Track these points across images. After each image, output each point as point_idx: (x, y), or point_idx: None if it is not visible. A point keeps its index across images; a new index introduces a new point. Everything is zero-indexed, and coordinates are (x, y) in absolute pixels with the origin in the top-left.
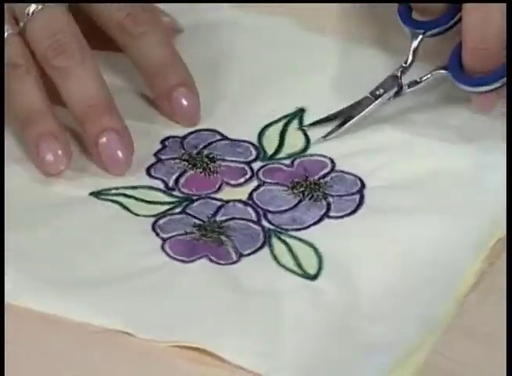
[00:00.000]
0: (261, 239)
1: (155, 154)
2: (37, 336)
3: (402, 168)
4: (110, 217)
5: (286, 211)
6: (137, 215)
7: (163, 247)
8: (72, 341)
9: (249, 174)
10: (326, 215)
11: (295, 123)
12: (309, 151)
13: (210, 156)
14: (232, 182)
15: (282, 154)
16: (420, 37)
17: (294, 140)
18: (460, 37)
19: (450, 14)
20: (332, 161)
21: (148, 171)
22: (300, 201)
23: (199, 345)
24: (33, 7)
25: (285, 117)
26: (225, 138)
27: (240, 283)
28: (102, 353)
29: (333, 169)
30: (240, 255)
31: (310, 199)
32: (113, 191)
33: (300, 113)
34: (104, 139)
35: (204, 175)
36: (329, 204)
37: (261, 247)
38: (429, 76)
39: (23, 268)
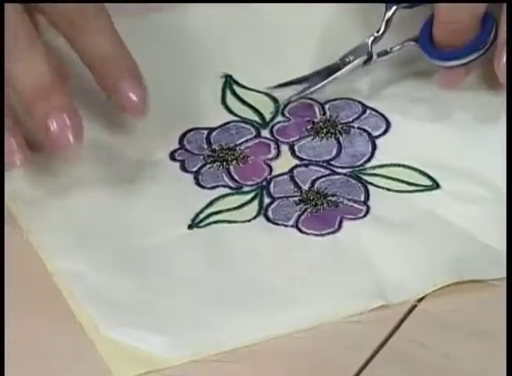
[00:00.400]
0: (357, 183)
1: (183, 168)
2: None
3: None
4: (228, 235)
5: (339, 154)
6: (245, 221)
7: (305, 233)
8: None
9: (271, 143)
10: (373, 138)
11: (236, 88)
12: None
13: (226, 147)
14: (269, 156)
15: (269, 115)
16: (394, 7)
17: (260, 102)
18: (433, 9)
19: None
20: (315, 101)
21: (199, 184)
22: (338, 141)
23: None
24: None
25: (223, 87)
26: (209, 129)
27: (392, 220)
28: None
29: (323, 105)
30: (364, 203)
31: (341, 134)
32: (204, 215)
33: (229, 78)
34: (52, 122)
35: (244, 164)
36: (360, 128)
37: (366, 188)
38: (399, 47)
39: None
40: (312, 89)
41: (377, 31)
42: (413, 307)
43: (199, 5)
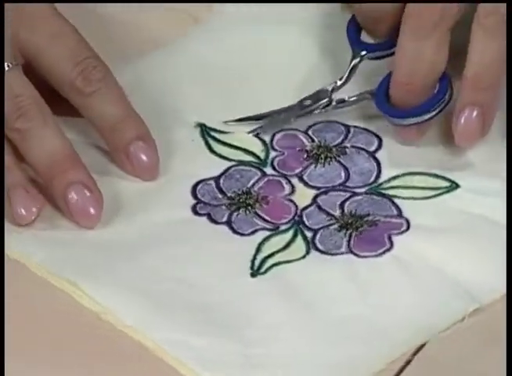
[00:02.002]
0: (381, 198)
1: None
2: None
3: None
4: (296, 276)
5: (348, 175)
6: (300, 258)
7: (362, 256)
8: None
9: (281, 179)
10: (372, 153)
11: (215, 134)
12: (268, 136)
13: (240, 192)
14: (286, 192)
15: (262, 153)
16: (360, 57)
17: (246, 142)
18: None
19: (394, 40)
20: (296, 129)
21: (237, 232)
22: (341, 163)
23: None
24: None
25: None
26: (214, 178)
27: (437, 226)
28: None
29: (305, 132)
30: (399, 216)
31: (339, 156)
32: (259, 261)
33: (203, 127)
34: (72, 194)
35: (267, 204)
36: (354, 147)
37: (393, 202)
38: (355, 98)
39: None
40: (267, 130)
41: (340, 79)
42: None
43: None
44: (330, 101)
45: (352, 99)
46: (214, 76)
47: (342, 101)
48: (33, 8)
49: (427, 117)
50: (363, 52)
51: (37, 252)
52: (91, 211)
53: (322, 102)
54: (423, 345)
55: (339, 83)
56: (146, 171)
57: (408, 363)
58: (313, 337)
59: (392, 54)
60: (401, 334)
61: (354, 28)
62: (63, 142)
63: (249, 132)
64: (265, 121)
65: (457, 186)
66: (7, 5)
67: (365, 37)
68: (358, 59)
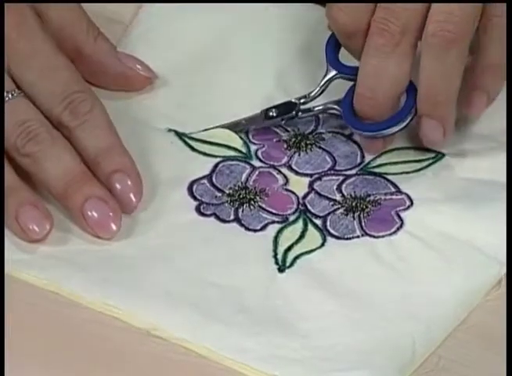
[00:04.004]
0: (374, 177)
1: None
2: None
3: None
4: (319, 267)
5: (334, 159)
6: (320, 246)
7: (374, 236)
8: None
9: (272, 170)
10: (348, 136)
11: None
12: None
13: (237, 187)
14: (280, 183)
15: (243, 147)
16: (333, 74)
17: (222, 137)
18: None
19: None
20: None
21: (248, 229)
22: (322, 149)
23: None
24: None
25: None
26: (207, 177)
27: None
28: None
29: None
30: (399, 192)
31: (319, 142)
32: (281, 256)
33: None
34: (90, 211)
35: (267, 197)
36: (331, 132)
37: (386, 179)
38: (321, 108)
39: None
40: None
41: (310, 94)
42: None
43: None
44: (297, 113)
45: (317, 108)
46: (177, 81)
47: (308, 110)
48: (24, 42)
49: (391, 131)
50: (336, 73)
51: (64, 276)
52: (111, 224)
53: (288, 115)
54: None
55: (308, 98)
56: (124, 203)
57: None
58: (362, 322)
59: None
60: (447, 309)
61: (333, 44)
62: (74, 160)
63: (204, 130)
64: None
65: (443, 154)
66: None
67: (343, 56)
68: (330, 76)
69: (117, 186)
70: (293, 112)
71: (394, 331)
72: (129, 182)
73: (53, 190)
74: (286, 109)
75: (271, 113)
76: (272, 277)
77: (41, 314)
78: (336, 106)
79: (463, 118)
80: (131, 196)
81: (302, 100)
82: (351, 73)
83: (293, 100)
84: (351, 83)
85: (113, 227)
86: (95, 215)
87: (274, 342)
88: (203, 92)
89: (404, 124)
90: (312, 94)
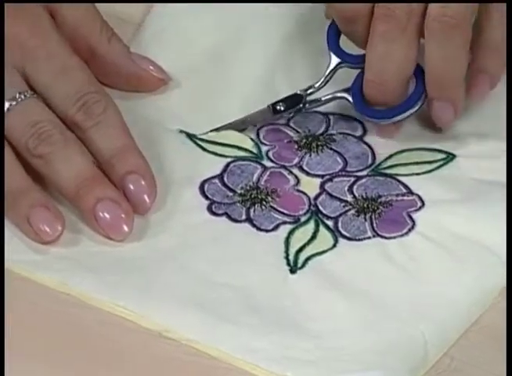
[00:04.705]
0: (386, 178)
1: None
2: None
3: None
4: (330, 268)
5: (345, 160)
6: (332, 247)
7: (386, 237)
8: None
9: (283, 171)
10: (359, 138)
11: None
12: (252, 132)
13: (249, 187)
14: (292, 184)
15: (254, 148)
16: (336, 63)
17: (233, 137)
18: None
19: None
20: (280, 123)
21: (260, 229)
22: (333, 150)
23: None
24: (7, 104)
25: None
26: (218, 176)
27: (450, 198)
28: None
29: (287, 124)
30: (410, 193)
31: (329, 143)
32: (293, 257)
33: (184, 133)
34: (102, 213)
35: (279, 197)
36: (343, 133)
37: (398, 180)
38: (330, 97)
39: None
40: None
41: (315, 84)
42: None
43: None
44: (304, 105)
45: (326, 97)
46: (189, 82)
47: (316, 101)
48: (38, 43)
49: (402, 116)
50: (339, 61)
51: (76, 277)
52: (124, 226)
53: (296, 107)
54: None
55: (313, 89)
56: (137, 205)
57: None
58: (374, 323)
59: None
60: (460, 310)
61: (333, 33)
62: (87, 162)
63: (211, 130)
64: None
65: (454, 156)
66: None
67: (345, 44)
68: (334, 65)
69: (131, 187)
70: (301, 104)
71: (407, 332)
72: (143, 183)
73: (65, 192)
74: (293, 102)
75: (278, 107)
76: (283, 278)
77: (45, 314)
78: (345, 95)
79: (475, 119)
80: (145, 197)
81: (309, 91)
82: (355, 61)
83: (298, 92)
84: (356, 71)
85: (125, 229)
86: (107, 216)
87: (285, 343)
88: (214, 92)
89: (415, 109)
90: (318, 84)
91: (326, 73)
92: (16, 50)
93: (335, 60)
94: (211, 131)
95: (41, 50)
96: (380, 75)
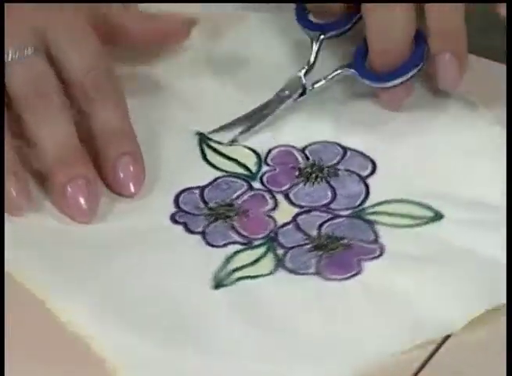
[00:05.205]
0: (362, 222)
1: (188, 230)
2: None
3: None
4: (256, 292)
5: (334, 197)
6: (266, 274)
7: (329, 279)
8: None
9: (266, 194)
10: (364, 178)
11: (211, 143)
12: (263, 150)
13: (223, 203)
14: (268, 208)
15: (254, 166)
16: (321, 38)
17: (241, 154)
18: (362, 35)
19: (349, 15)
20: (293, 147)
21: (209, 244)
22: (330, 184)
23: None
24: (10, 54)
25: (199, 144)
26: (200, 188)
27: (410, 255)
28: None
29: (302, 150)
30: (375, 242)
31: (330, 177)
32: (225, 274)
33: (201, 136)
34: (71, 190)
35: (246, 218)
36: (348, 170)
37: (373, 227)
38: (333, 74)
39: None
40: (257, 127)
41: (307, 63)
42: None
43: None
44: (305, 86)
45: (330, 76)
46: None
47: (319, 81)
48: (58, 10)
49: (412, 73)
50: (320, 35)
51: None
52: (85, 205)
53: (298, 91)
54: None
55: (307, 67)
56: (124, 187)
57: None
58: (270, 354)
59: (349, 29)
60: (355, 358)
61: (301, 12)
62: (73, 134)
63: (231, 142)
64: (244, 124)
65: (441, 216)
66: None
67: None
68: (318, 41)
69: (122, 169)
70: (301, 86)
71: (293, 370)
72: (133, 168)
73: (43, 156)
74: (296, 85)
75: (283, 94)
76: (203, 292)
77: (45, 313)
78: (348, 69)
79: (476, 179)
80: (132, 182)
81: (303, 71)
82: (332, 28)
83: (295, 75)
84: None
85: (89, 211)
86: (76, 195)
87: (170, 353)
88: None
89: (419, 66)
90: (310, 62)
91: (314, 51)
92: (40, 13)
93: (315, 36)
94: (220, 128)
95: (62, 18)
96: (388, 41)
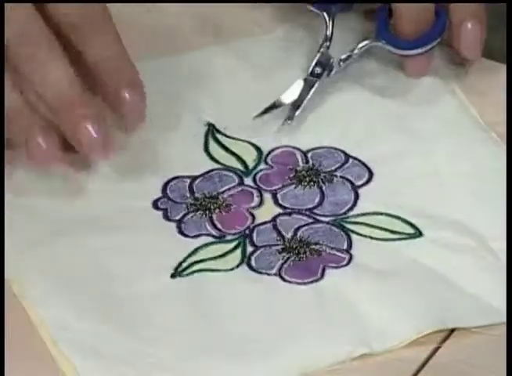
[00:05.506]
0: (340, 231)
1: (166, 217)
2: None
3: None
4: (210, 285)
5: (321, 202)
6: (227, 270)
7: (288, 281)
8: None
9: (254, 191)
10: (356, 187)
11: (218, 135)
12: (265, 149)
13: (208, 195)
14: (252, 205)
15: (252, 163)
16: (333, 11)
17: (243, 150)
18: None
19: None
20: (298, 149)
21: (182, 233)
22: (321, 189)
23: None
24: None
25: (206, 135)
26: (192, 177)
27: (375, 268)
28: None
29: (305, 153)
30: (346, 251)
31: (324, 183)
32: (187, 264)
33: (211, 127)
34: (85, 128)
35: (226, 212)
36: (343, 178)
37: (349, 237)
38: (360, 47)
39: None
40: (299, 111)
41: (325, 39)
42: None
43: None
44: (332, 63)
45: (356, 50)
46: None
47: (348, 57)
48: None
49: (436, 41)
50: (332, 8)
51: None
52: (100, 138)
53: (328, 67)
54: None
55: (328, 43)
56: (131, 119)
57: None
58: (201, 350)
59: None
60: (286, 360)
61: None
62: (73, 76)
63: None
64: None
65: (420, 234)
66: None
67: None
68: (331, 17)
69: (127, 96)
70: (330, 63)
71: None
72: (139, 98)
73: (47, 99)
74: (325, 61)
75: (316, 71)
76: (158, 278)
77: None
78: (376, 41)
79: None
80: (139, 107)
81: (325, 46)
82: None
83: (320, 51)
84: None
85: (105, 146)
86: (92, 133)
87: (102, 334)
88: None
89: (442, 34)
90: (328, 35)
91: (327, 25)
92: None
93: (327, 11)
94: (261, 113)
95: None
96: (416, 9)
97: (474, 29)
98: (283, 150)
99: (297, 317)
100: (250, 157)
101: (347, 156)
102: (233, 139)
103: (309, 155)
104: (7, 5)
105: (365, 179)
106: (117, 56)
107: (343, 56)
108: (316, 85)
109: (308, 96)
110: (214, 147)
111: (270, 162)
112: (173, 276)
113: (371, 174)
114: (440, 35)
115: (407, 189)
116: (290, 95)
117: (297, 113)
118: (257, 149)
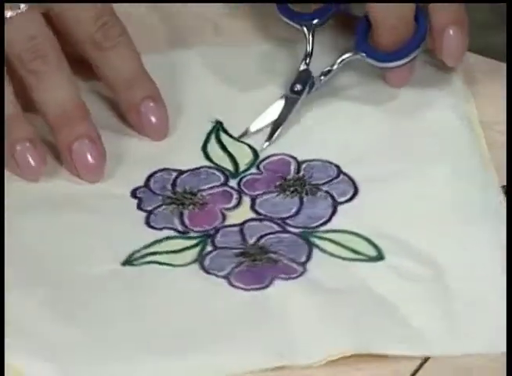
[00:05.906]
0: (304, 243)
1: (139, 206)
2: None
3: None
4: (157, 278)
5: (297, 213)
6: (179, 265)
7: (233, 285)
8: None
9: (235, 194)
10: (337, 203)
11: (222, 135)
12: (262, 155)
13: (188, 191)
14: (228, 206)
15: (244, 167)
16: (313, 25)
17: (240, 152)
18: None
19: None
20: (294, 158)
21: (149, 224)
22: (301, 201)
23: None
24: (9, 13)
25: (209, 133)
26: (180, 171)
27: (324, 285)
28: None
29: (300, 163)
30: (302, 264)
31: (308, 195)
32: (140, 254)
33: (218, 125)
34: (77, 145)
35: (199, 210)
36: (327, 193)
37: (311, 251)
38: (339, 61)
39: None
40: (285, 124)
41: (306, 54)
42: None
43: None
44: (313, 78)
45: (336, 65)
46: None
47: (328, 72)
48: None
49: (417, 52)
50: (311, 22)
51: None
52: (92, 161)
53: (309, 83)
54: None
55: (308, 59)
56: (154, 132)
57: None
58: (132, 338)
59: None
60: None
61: (283, 6)
62: (74, 92)
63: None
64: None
65: (381, 258)
66: None
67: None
68: (311, 31)
69: (149, 114)
70: (311, 79)
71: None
72: (158, 111)
73: (47, 115)
74: (306, 77)
75: (296, 88)
76: (107, 266)
77: None
78: (357, 54)
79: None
80: (162, 124)
81: (305, 63)
82: (320, 15)
83: (300, 67)
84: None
85: (95, 165)
86: (81, 152)
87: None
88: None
89: (423, 43)
90: (308, 50)
91: (308, 39)
92: None
93: (308, 25)
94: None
95: None
96: (396, 17)
97: (455, 36)
98: (279, 157)
99: (230, 321)
100: (244, 160)
101: (340, 171)
102: (236, 139)
103: (303, 166)
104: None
105: (348, 196)
106: (133, 70)
107: (323, 70)
108: (297, 105)
109: (290, 116)
110: (212, 146)
111: (262, 168)
112: (124, 264)
113: (356, 192)
114: (419, 46)
115: (385, 211)
116: (269, 115)
117: (276, 134)
118: (255, 153)
